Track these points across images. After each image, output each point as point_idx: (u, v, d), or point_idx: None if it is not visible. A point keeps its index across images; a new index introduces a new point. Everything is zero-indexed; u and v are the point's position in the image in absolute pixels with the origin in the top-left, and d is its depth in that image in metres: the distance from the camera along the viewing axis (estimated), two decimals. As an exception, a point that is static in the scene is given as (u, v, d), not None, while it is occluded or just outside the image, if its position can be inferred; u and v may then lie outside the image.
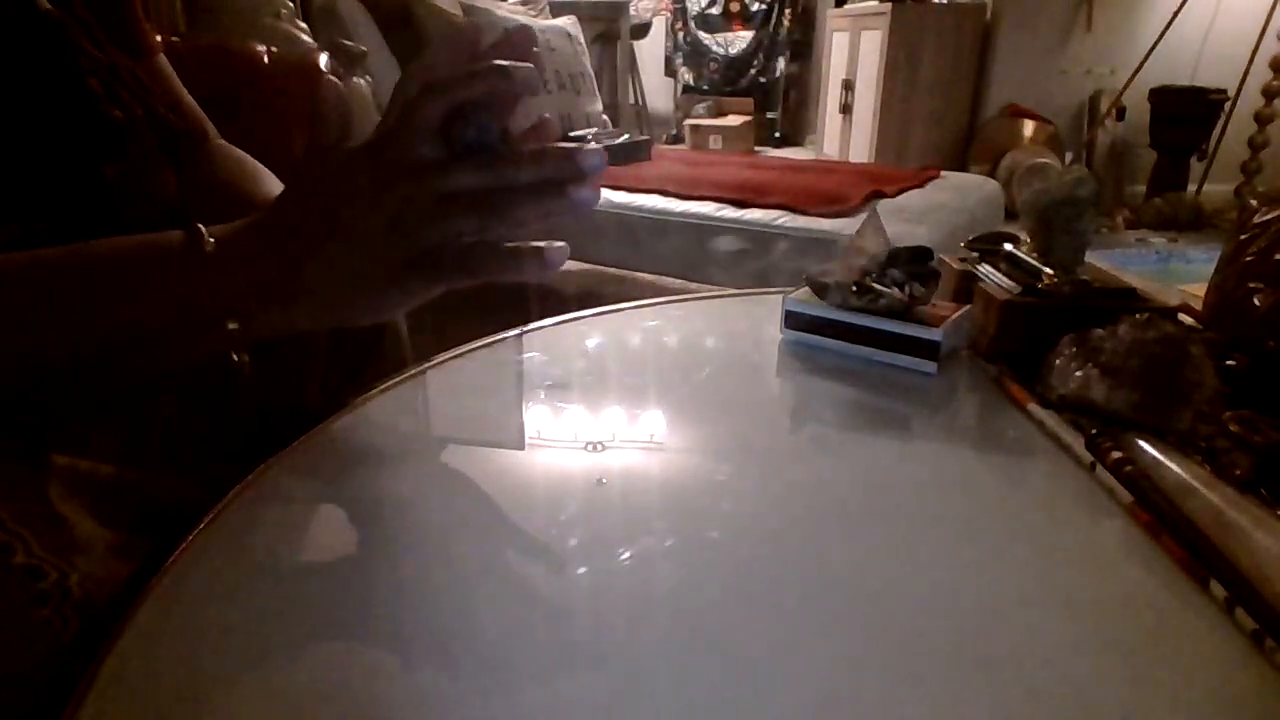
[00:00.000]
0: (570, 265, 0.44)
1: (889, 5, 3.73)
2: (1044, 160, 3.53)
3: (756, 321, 0.72)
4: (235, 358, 0.41)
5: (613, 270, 1.92)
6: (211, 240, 0.40)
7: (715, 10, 5.65)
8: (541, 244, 0.42)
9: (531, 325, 0.69)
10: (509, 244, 0.41)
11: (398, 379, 0.59)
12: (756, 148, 4.96)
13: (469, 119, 0.41)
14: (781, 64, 5.55)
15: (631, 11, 4.11)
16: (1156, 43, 3.52)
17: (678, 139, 5.32)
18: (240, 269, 0.40)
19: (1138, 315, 0.53)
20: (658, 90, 5.57)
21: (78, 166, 0.49)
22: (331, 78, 1.54)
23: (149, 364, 0.42)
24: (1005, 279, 0.63)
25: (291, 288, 0.40)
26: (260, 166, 0.63)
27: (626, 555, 0.40)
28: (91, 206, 0.48)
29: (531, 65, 0.42)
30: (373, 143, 0.41)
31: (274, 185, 0.62)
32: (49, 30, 0.48)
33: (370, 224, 0.40)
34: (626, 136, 2.47)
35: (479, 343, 0.65)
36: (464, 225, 0.41)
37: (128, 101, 0.52)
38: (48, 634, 0.34)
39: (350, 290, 0.41)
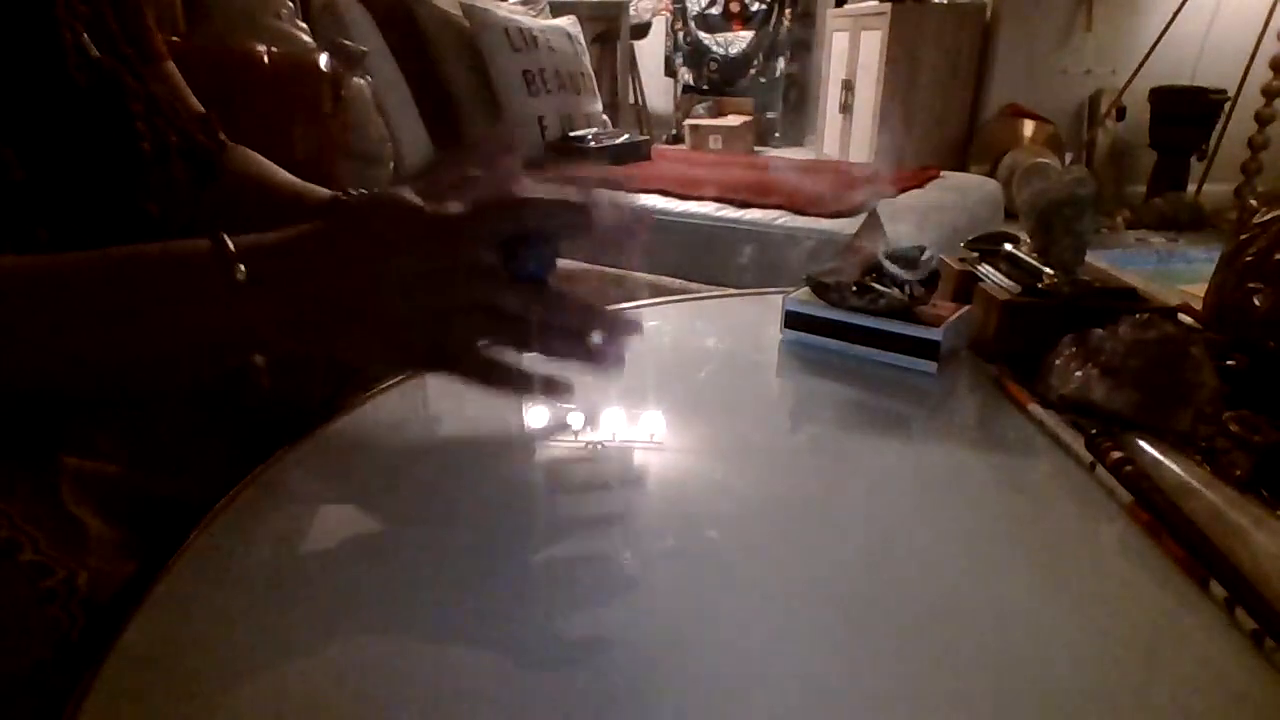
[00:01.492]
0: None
1: (889, 5, 3.73)
2: (1044, 160, 3.53)
3: (756, 321, 0.72)
4: (255, 377, 0.41)
5: (613, 270, 1.92)
6: (242, 269, 0.38)
7: (715, 10, 5.64)
8: (550, 375, 0.44)
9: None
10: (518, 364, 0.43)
11: (398, 379, 0.59)
12: (756, 148, 4.96)
13: (535, 244, 0.41)
14: (781, 64, 5.55)
15: (631, 11, 4.10)
16: (1156, 43, 3.52)
17: (678, 139, 5.31)
18: (271, 303, 0.39)
19: (1138, 315, 0.53)
20: (658, 90, 5.57)
21: (116, 197, 0.48)
22: (360, 80, 1.53)
23: (167, 381, 0.42)
24: (1005, 279, 0.63)
25: (319, 329, 0.40)
26: (274, 166, 0.63)
27: (626, 555, 0.41)
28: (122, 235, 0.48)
29: (636, 239, 0.44)
30: (441, 219, 0.40)
31: (285, 178, 0.62)
32: (103, 81, 0.48)
33: (415, 296, 0.40)
34: (626, 136, 2.47)
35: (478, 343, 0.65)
36: (493, 339, 0.42)
37: (162, 129, 0.52)
38: (55, 631, 0.34)
39: (370, 341, 0.41)
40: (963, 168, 3.70)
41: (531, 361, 0.44)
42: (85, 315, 0.38)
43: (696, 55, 5.75)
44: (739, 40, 5.62)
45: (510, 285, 0.41)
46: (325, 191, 0.59)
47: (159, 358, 0.40)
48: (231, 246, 0.38)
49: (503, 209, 0.41)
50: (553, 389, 0.44)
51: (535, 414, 0.55)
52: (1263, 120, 3.52)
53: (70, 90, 0.46)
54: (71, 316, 0.38)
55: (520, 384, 0.43)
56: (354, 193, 0.54)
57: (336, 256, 0.40)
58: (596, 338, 0.43)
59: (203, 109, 0.62)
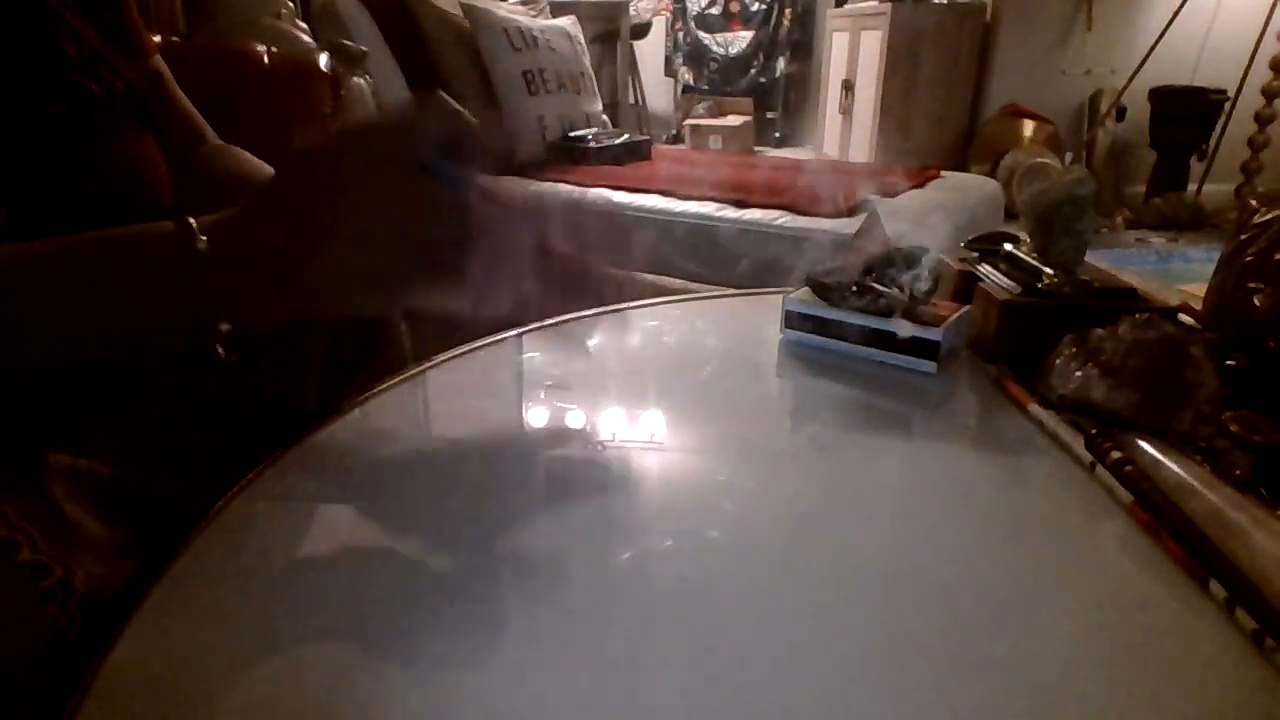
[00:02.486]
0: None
1: (889, 5, 3.73)
2: (1044, 160, 3.53)
3: (756, 321, 0.72)
4: (223, 354, 0.40)
5: (613, 270, 1.92)
6: (203, 238, 0.38)
7: (715, 10, 5.65)
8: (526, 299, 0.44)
9: (531, 325, 0.69)
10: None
11: (398, 379, 0.59)
12: (756, 148, 4.96)
13: (451, 154, 0.41)
14: (781, 64, 5.55)
15: (631, 11, 4.10)
16: (1156, 43, 3.51)
17: (678, 139, 5.31)
18: (233, 268, 0.39)
19: (1138, 315, 0.53)
20: (658, 90, 5.57)
21: (48, 130, 0.47)
22: (360, 80, 1.53)
23: (135, 359, 0.41)
24: (1005, 279, 0.63)
25: (286, 285, 0.40)
26: (262, 163, 0.63)
27: (627, 555, 0.41)
28: (58, 153, 0.47)
29: None
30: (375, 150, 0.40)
31: (268, 174, 0.62)
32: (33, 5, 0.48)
33: (374, 237, 0.39)
34: (626, 136, 2.46)
35: (479, 343, 0.65)
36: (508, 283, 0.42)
37: (106, 75, 0.51)
38: (53, 630, 0.34)
39: (350, 286, 0.40)
40: (963, 168, 3.70)
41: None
42: (52, 296, 0.38)
43: (696, 55, 5.75)
44: (739, 40, 5.62)
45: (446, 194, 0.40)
46: None
47: (124, 332, 0.39)
48: (191, 221, 0.38)
49: (524, 210, 0.42)
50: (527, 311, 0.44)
51: (535, 414, 0.55)
52: (1263, 120, 3.52)
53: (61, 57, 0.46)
54: (38, 298, 0.38)
55: (497, 309, 0.43)
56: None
57: (294, 204, 0.40)
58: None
59: (189, 102, 0.62)
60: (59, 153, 0.48)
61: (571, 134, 2.43)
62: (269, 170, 0.62)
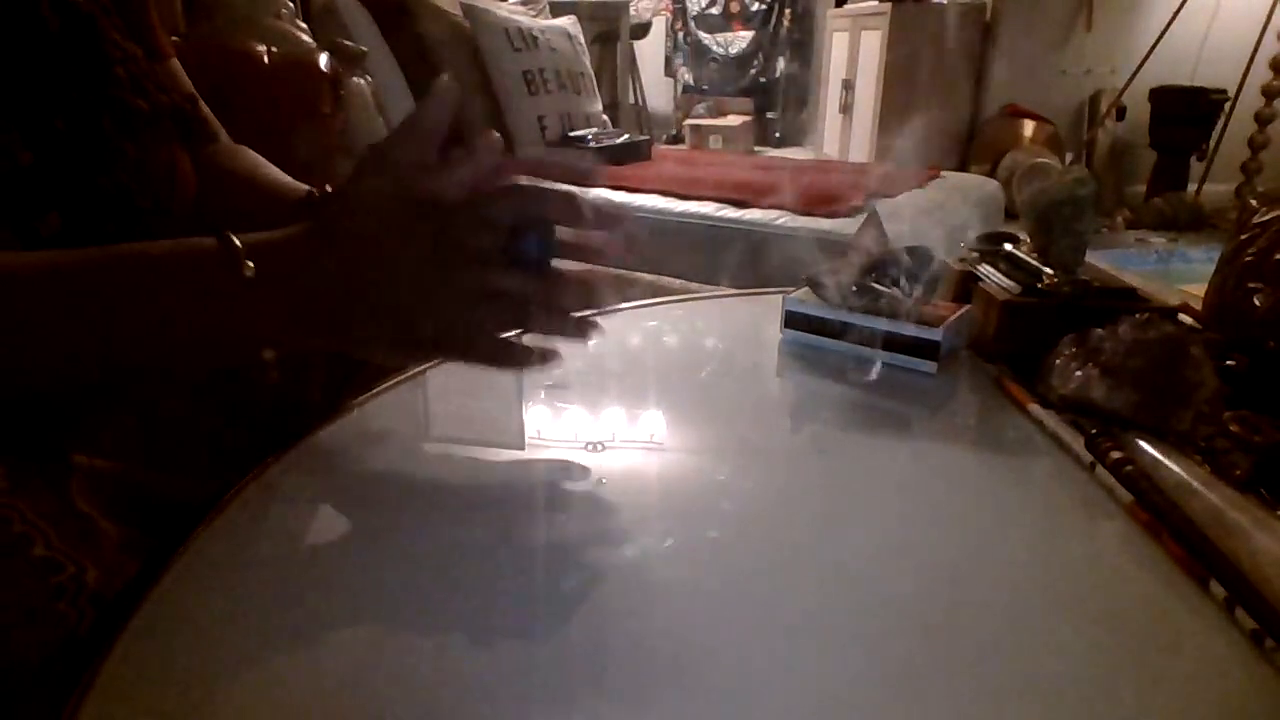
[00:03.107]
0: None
1: (889, 5, 3.73)
2: (1044, 160, 3.53)
3: (756, 321, 0.72)
4: (264, 373, 0.41)
5: (613, 270, 1.92)
6: (250, 265, 0.38)
7: (715, 10, 5.64)
8: (535, 345, 0.45)
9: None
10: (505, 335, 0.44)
11: (398, 379, 0.59)
12: (756, 148, 4.96)
13: (531, 230, 0.42)
14: (781, 64, 5.54)
15: (631, 11, 4.10)
16: (1156, 43, 3.51)
17: (678, 139, 5.31)
18: (277, 299, 0.39)
19: (1138, 315, 0.53)
20: (658, 90, 5.57)
21: (100, 146, 0.48)
22: (360, 80, 1.52)
23: (172, 375, 0.42)
24: (1005, 279, 0.63)
25: (326, 323, 0.40)
26: (272, 166, 0.63)
27: (627, 555, 0.41)
28: (111, 187, 0.48)
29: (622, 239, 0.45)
30: (437, 208, 0.41)
31: (271, 174, 0.62)
32: (79, 21, 0.48)
33: (418, 285, 0.40)
34: (626, 136, 2.47)
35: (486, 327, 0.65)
36: (499, 323, 0.43)
37: (151, 92, 0.52)
38: (64, 627, 0.34)
39: (377, 332, 0.42)
40: (963, 168, 3.70)
41: (537, 342, 0.45)
42: (92, 312, 0.38)
43: (696, 55, 5.74)
44: (739, 40, 5.62)
45: (510, 270, 0.42)
46: (304, 186, 0.59)
47: (165, 354, 0.40)
48: (238, 244, 0.39)
49: (497, 196, 0.41)
50: (538, 356, 0.45)
51: (536, 414, 0.55)
52: (1263, 120, 3.52)
53: (43, 34, 0.46)
54: (78, 313, 0.38)
55: (530, 361, 0.45)
56: (333, 188, 0.54)
57: (338, 250, 0.40)
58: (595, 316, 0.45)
59: (209, 112, 0.62)
60: (107, 164, 0.48)
61: (571, 134, 2.43)
62: (278, 173, 0.62)
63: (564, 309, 0.44)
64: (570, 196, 0.42)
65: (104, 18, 0.50)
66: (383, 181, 0.41)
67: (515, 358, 0.44)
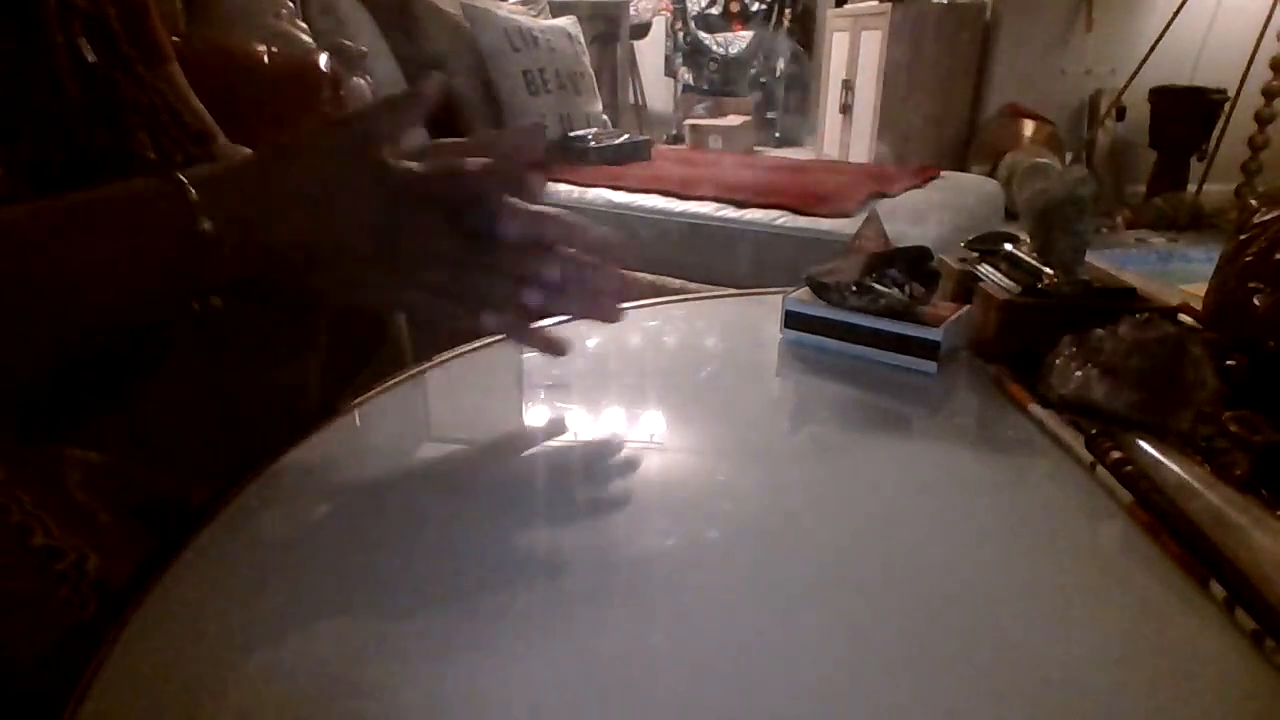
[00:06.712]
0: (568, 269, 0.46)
1: (889, 5, 3.72)
2: (1044, 160, 3.52)
3: (756, 321, 0.72)
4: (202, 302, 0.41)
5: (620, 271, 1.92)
6: (209, 222, 0.38)
7: (715, 10, 5.65)
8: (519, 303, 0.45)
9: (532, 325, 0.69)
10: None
11: (398, 379, 0.59)
12: (756, 148, 4.96)
13: (491, 206, 0.43)
14: (781, 64, 5.55)
15: (631, 11, 4.10)
16: (1156, 43, 3.51)
17: (678, 139, 5.31)
18: (236, 248, 0.39)
19: (1138, 315, 0.53)
20: (658, 90, 5.57)
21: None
22: (360, 80, 1.53)
23: (121, 321, 0.41)
24: (1005, 279, 0.63)
25: (279, 257, 0.41)
26: None
27: (627, 553, 0.41)
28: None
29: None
30: (395, 174, 0.41)
31: None
32: (96, 79, 0.48)
33: (377, 237, 0.40)
34: (626, 136, 2.46)
35: (479, 343, 0.65)
36: (449, 283, 0.43)
37: (169, 149, 0.53)
38: (66, 613, 0.34)
39: (340, 274, 0.42)
40: (963, 168, 3.70)
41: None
42: (43, 260, 0.37)
43: (696, 55, 5.75)
44: (739, 40, 5.62)
45: (464, 242, 0.42)
46: None
47: (120, 296, 0.39)
48: (185, 180, 0.38)
49: (487, 173, 0.42)
50: (522, 319, 0.46)
51: (535, 414, 0.55)
52: (1263, 120, 3.52)
53: (63, 97, 0.46)
54: (28, 262, 0.37)
55: (491, 316, 0.45)
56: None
57: (286, 178, 0.40)
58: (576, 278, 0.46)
59: (205, 111, 0.62)
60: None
61: (571, 134, 2.43)
62: None
63: (520, 280, 0.45)
64: (516, 170, 0.44)
65: (125, 83, 0.50)
66: (338, 134, 0.42)
67: (474, 311, 0.45)
